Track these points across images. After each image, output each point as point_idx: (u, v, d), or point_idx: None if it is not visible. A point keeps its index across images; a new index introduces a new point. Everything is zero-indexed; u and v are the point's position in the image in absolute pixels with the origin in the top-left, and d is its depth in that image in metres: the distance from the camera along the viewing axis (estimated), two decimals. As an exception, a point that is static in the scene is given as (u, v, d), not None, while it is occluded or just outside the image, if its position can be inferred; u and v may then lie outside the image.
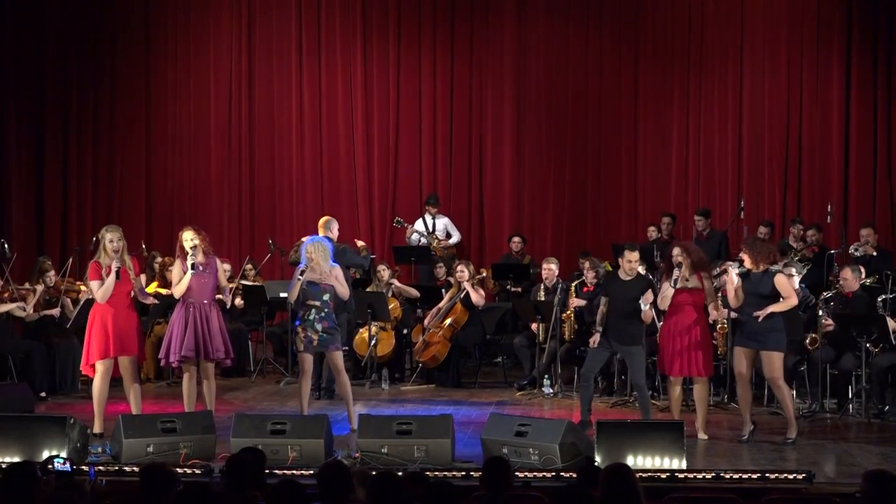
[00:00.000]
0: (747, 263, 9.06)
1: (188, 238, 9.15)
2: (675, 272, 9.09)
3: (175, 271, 9.24)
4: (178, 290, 9.18)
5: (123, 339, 9.02)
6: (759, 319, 8.84)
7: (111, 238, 9.03)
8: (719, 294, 9.76)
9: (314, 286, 9.24)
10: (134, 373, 9.19)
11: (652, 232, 13.50)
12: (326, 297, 9.27)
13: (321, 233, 10.63)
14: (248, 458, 6.03)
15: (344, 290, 9.45)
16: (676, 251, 9.16)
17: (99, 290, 8.94)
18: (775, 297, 8.92)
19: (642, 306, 9.24)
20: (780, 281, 8.98)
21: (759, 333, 8.91)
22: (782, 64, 14.28)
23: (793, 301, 9.05)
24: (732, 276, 9.02)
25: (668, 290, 9.11)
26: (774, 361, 8.92)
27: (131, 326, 9.16)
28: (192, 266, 9.07)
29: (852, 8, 14.13)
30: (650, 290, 9.31)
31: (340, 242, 11.00)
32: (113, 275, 8.92)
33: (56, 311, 11.22)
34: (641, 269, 10.76)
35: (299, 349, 9.34)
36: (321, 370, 10.89)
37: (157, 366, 12.04)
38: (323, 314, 9.25)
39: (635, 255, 9.42)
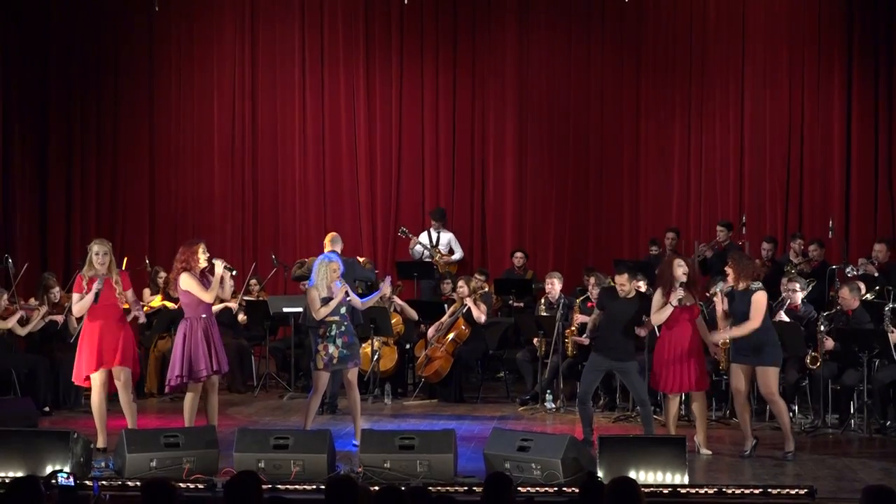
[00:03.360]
0: (730, 279, 9.04)
1: (206, 251, 9.20)
2: (680, 291, 9.08)
3: (191, 282, 9.08)
4: (210, 296, 9.06)
5: (113, 352, 9.04)
6: (718, 344, 9.36)
7: (97, 251, 9.08)
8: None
9: (330, 302, 9.30)
10: (128, 385, 9.19)
11: (653, 247, 13.51)
12: (343, 310, 9.34)
13: (328, 248, 10.70)
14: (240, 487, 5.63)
15: (358, 302, 9.58)
16: (681, 268, 9.13)
17: (77, 303, 9.04)
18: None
19: (639, 333, 9.38)
20: (755, 299, 8.86)
21: (752, 349, 8.92)
22: (783, 78, 14.31)
23: (752, 325, 8.85)
24: (719, 300, 9.05)
25: (667, 310, 9.09)
26: (770, 376, 8.92)
27: (125, 338, 9.15)
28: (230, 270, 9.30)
29: (853, 21, 14.17)
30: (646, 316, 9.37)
31: (346, 257, 11.04)
32: (91, 296, 8.98)
33: (61, 318, 11.23)
34: (643, 286, 10.77)
35: (318, 367, 9.31)
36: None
37: (160, 380, 12.08)
38: (343, 328, 9.30)
39: (622, 279, 9.37)
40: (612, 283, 10.26)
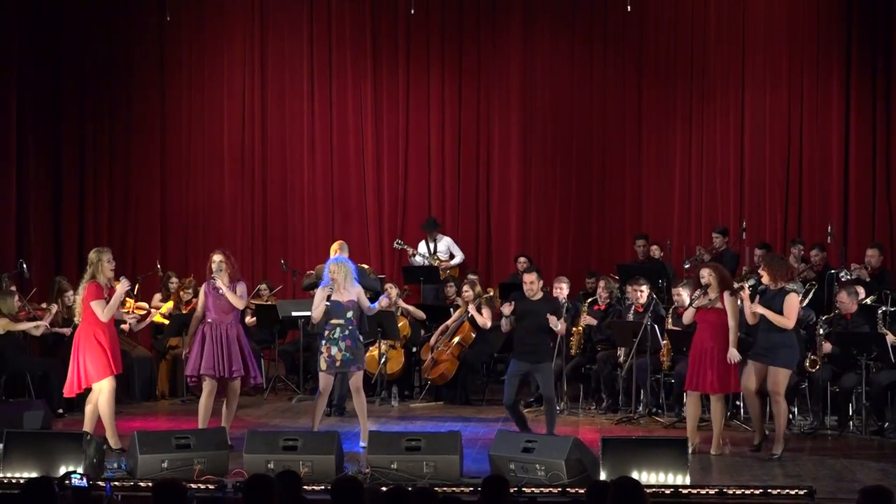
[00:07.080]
0: (765, 280, 9.25)
1: (216, 260, 9.42)
2: (698, 292, 9.21)
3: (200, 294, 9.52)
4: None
5: (117, 357, 9.26)
6: (753, 312, 9.09)
7: (110, 258, 9.30)
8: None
9: (338, 304, 9.43)
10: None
11: (655, 251, 13.60)
12: (350, 314, 9.46)
13: (336, 254, 10.81)
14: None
15: (367, 306, 9.68)
16: (705, 272, 9.25)
17: (106, 308, 9.13)
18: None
19: (554, 326, 9.38)
20: (789, 300, 9.10)
21: (770, 349, 9.07)
22: (783, 85, 14.40)
23: (787, 323, 9.08)
24: (746, 295, 9.20)
25: (689, 311, 9.28)
26: (780, 377, 9.05)
27: (119, 344, 9.47)
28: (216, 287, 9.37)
29: (852, 29, 14.25)
30: (556, 314, 9.39)
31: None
32: (125, 290, 9.24)
33: (67, 331, 11.37)
34: (646, 290, 10.87)
35: (321, 368, 9.48)
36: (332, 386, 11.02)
37: (171, 383, 12.26)
38: (347, 332, 9.43)
39: (531, 277, 9.49)
40: (619, 288, 10.33)
